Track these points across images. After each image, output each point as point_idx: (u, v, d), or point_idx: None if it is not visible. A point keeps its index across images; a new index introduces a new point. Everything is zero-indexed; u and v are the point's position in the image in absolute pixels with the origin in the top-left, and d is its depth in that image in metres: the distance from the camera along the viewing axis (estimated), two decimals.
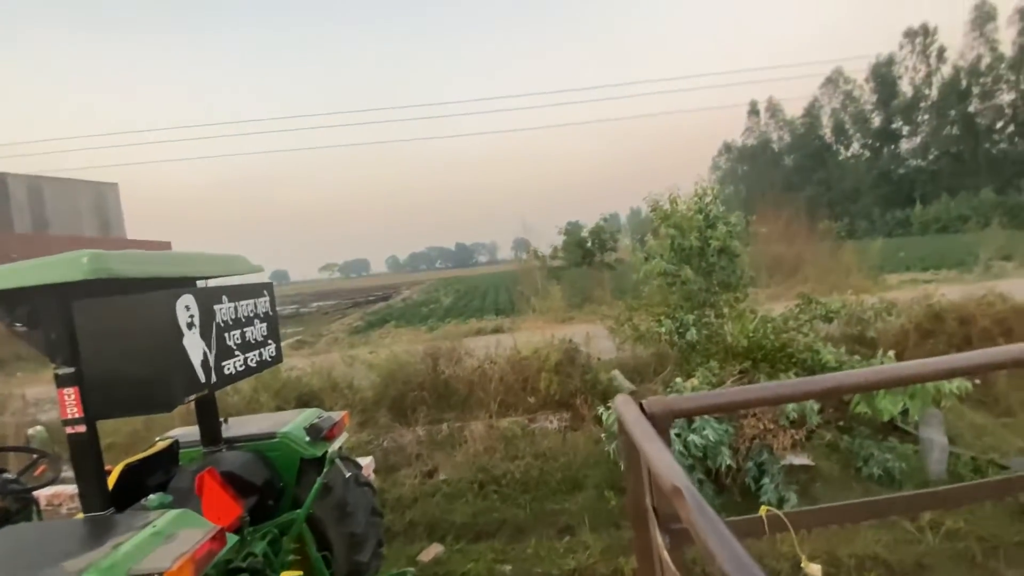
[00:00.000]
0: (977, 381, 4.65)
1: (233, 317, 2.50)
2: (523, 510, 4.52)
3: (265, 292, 2.81)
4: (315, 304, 40.48)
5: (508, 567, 3.73)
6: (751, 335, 5.25)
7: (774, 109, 77.74)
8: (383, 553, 3.33)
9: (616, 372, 6.71)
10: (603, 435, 4.93)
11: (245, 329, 2.58)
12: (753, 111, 79.78)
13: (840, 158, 68.94)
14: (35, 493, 2.75)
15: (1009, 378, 5.59)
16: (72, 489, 2.40)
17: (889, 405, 4.38)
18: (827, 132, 71.08)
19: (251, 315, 2.65)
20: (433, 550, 4.00)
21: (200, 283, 2.70)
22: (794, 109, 77.20)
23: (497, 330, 12.79)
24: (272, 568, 2.51)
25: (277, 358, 2.86)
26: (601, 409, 4.93)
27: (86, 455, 2.09)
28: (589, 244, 21.52)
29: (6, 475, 2.70)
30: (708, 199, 5.64)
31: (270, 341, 2.79)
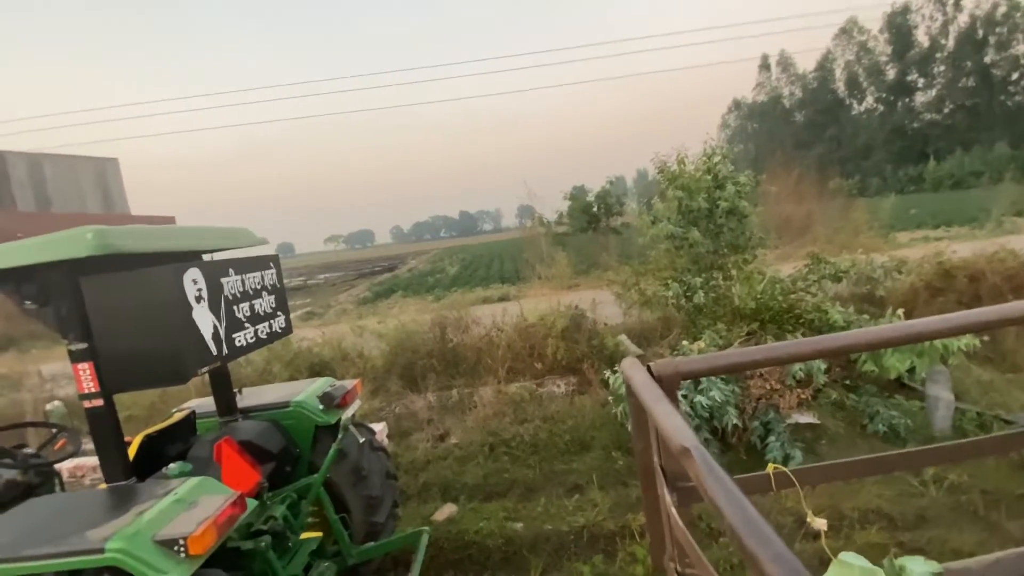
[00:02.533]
0: (985, 338, 4.63)
1: (241, 290, 2.51)
2: (532, 471, 4.64)
3: (271, 264, 2.81)
4: (322, 276, 40.67)
5: (519, 525, 3.85)
6: (759, 297, 5.23)
7: (786, 63, 75.08)
8: (398, 514, 3.45)
9: (623, 337, 6.75)
10: (610, 398, 5.00)
11: (253, 301, 2.59)
12: (764, 65, 77.10)
13: (853, 113, 66.95)
14: (57, 466, 2.84)
15: (1017, 335, 5.56)
16: (94, 461, 2.49)
17: (896, 363, 4.39)
18: (840, 86, 68.79)
19: (259, 287, 2.66)
20: (447, 510, 4.13)
21: (206, 257, 2.71)
22: (807, 62, 74.72)
23: (503, 298, 12.84)
24: (292, 530, 2.60)
25: (287, 330, 2.89)
26: (608, 373, 4.99)
27: (105, 427, 2.15)
28: (595, 209, 21.30)
29: (27, 450, 2.79)
30: (716, 159, 5.52)
31: (279, 313, 2.81)
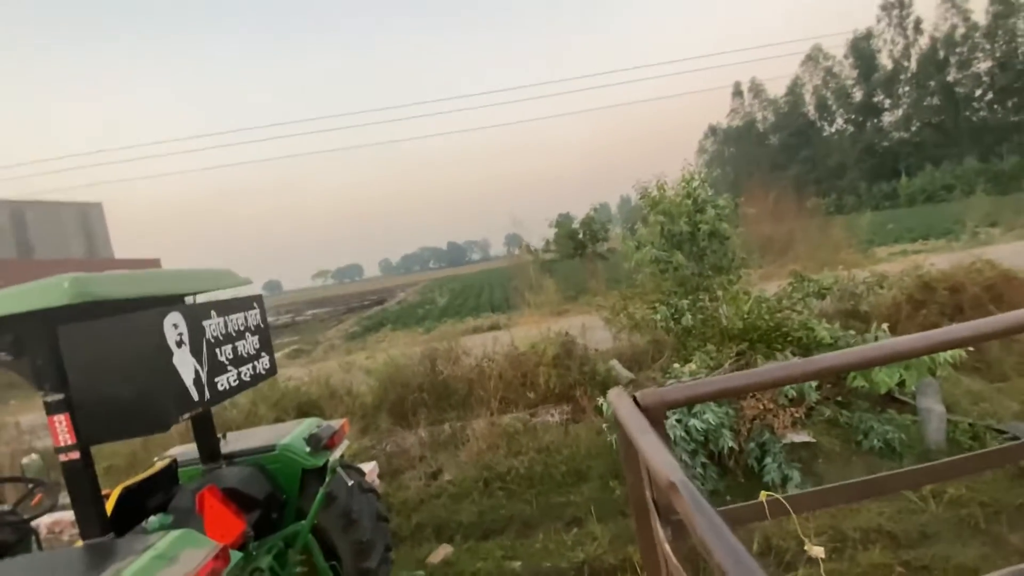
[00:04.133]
0: (971, 349, 4.69)
1: (223, 332, 2.47)
2: (529, 505, 4.53)
3: (255, 305, 2.78)
4: (310, 312, 40.30)
5: (518, 563, 3.73)
6: (746, 316, 5.27)
7: (757, 89, 78.02)
8: (391, 558, 3.32)
9: (614, 362, 6.73)
10: (604, 425, 4.95)
11: (236, 343, 2.55)
12: (737, 92, 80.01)
13: (824, 134, 69.31)
14: (35, 522, 2.71)
15: (1002, 344, 5.65)
16: (72, 516, 2.38)
17: (885, 377, 4.42)
18: (810, 109, 71.41)
19: (242, 329, 2.62)
20: (442, 551, 4.00)
21: (188, 300, 2.67)
22: (777, 88, 77.58)
23: (493, 327, 12.80)
24: None
25: (271, 371, 2.84)
26: (601, 400, 4.94)
27: (81, 481, 2.06)
28: (580, 235, 21.56)
29: (2, 507, 2.67)
30: (695, 183, 5.65)
31: (263, 354, 2.77)
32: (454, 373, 6.97)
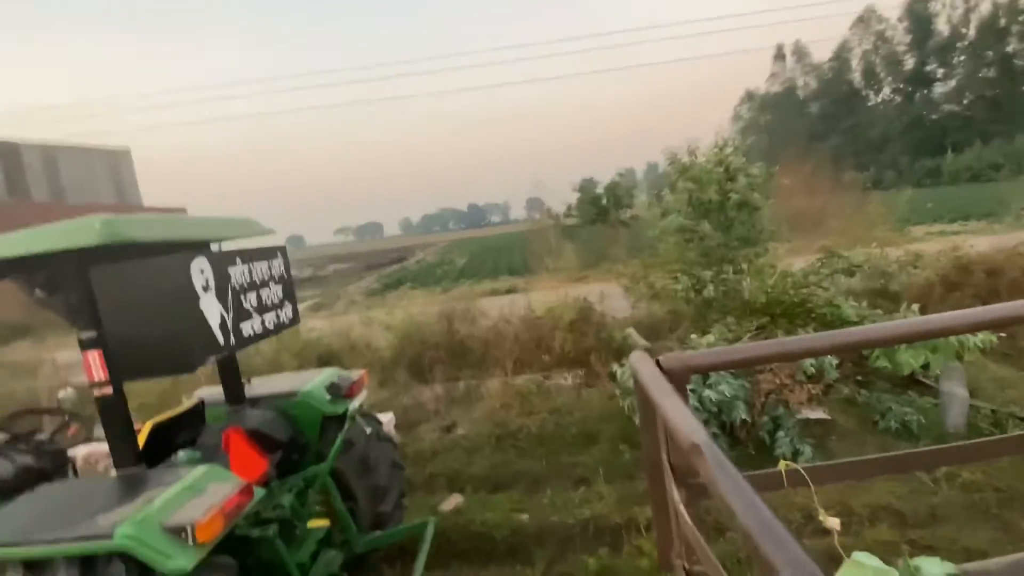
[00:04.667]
0: (1003, 334, 4.54)
1: (248, 280, 2.51)
2: (539, 463, 4.63)
3: (279, 255, 2.81)
4: (331, 267, 40.89)
5: (525, 516, 3.85)
6: (770, 291, 5.16)
7: (801, 53, 73.69)
8: (405, 504, 3.46)
9: (631, 330, 6.70)
10: (617, 391, 4.98)
11: (260, 291, 2.60)
12: (779, 55, 75.77)
13: (869, 104, 65.60)
14: (70, 453, 2.88)
15: None
16: (106, 448, 2.53)
17: (910, 359, 4.32)
18: (856, 76, 67.40)
19: (266, 278, 2.66)
20: (453, 500, 4.15)
21: (213, 247, 2.71)
22: (822, 52, 73.25)
23: (511, 290, 12.82)
24: (300, 518, 2.62)
25: (294, 320, 2.90)
26: (615, 366, 4.96)
27: (115, 415, 2.17)
28: (604, 201, 21.11)
29: (40, 436, 2.83)
30: (729, 151, 5.43)
31: (286, 303, 2.82)
32: (471, 333, 7.06)
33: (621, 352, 5.93)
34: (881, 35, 65.17)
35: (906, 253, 6.21)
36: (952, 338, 4.24)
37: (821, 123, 64.12)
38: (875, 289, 6.05)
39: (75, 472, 2.95)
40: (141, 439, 2.48)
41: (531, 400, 5.66)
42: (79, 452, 3.65)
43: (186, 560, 1.73)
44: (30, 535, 1.77)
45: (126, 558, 1.72)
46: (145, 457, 2.30)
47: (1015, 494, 3.46)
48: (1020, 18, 52.90)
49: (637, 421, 4.66)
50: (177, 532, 1.76)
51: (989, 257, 6.17)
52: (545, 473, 4.48)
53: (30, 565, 1.75)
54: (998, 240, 6.82)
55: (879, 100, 65.79)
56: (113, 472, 2.23)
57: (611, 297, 7.10)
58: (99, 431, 2.58)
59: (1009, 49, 53.98)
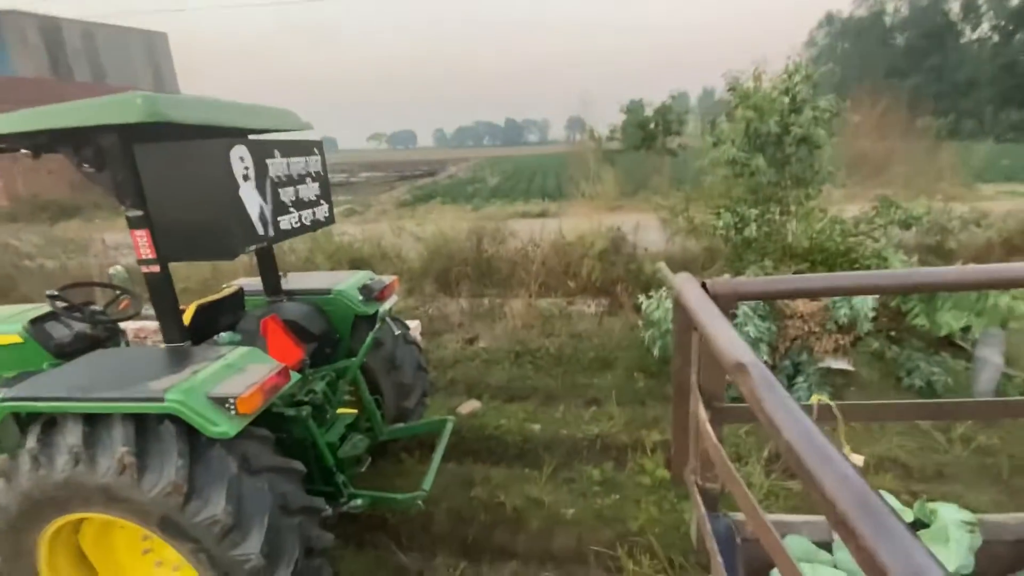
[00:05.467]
0: None
1: (286, 173, 2.50)
2: (555, 380, 4.80)
3: (316, 150, 2.78)
4: (364, 174, 40.73)
5: (537, 426, 4.07)
6: (815, 236, 4.93)
7: None
8: (427, 403, 3.68)
9: (662, 264, 6.57)
10: (640, 322, 4.99)
11: (298, 187, 2.60)
12: None
13: (962, 41, 58.12)
14: (121, 325, 3.09)
15: None
16: (155, 325, 2.72)
17: (951, 319, 4.15)
18: (954, 7, 59.18)
19: (303, 173, 2.65)
20: (471, 405, 4.38)
21: (252, 138, 2.69)
22: None
23: (543, 214, 12.62)
24: (331, 404, 2.81)
25: (330, 219, 2.92)
26: (641, 298, 4.94)
27: (162, 293, 2.28)
28: (652, 126, 19.85)
29: (94, 307, 3.03)
30: (798, 79, 4.94)
31: (322, 201, 2.83)
32: (498, 253, 7.07)
33: (648, 285, 5.88)
34: None
35: (971, 210, 5.77)
36: (1002, 302, 4.03)
37: (905, 58, 57.42)
38: (929, 245, 5.72)
39: (126, 343, 3.19)
40: (186, 318, 2.63)
41: (552, 323, 5.75)
42: (129, 327, 3.93)
43: (229, 427, 1.88)
44: (89, 392, 1.95)
45: (175, 420, 1.89)
46: (190, 335, 2.45)
47: None
48: None
49: (656, 352, 4.72)
50: (221, 402, 1.91)
51: None
52: (559, 391, 4.65)
53: (90, 419, 1.93)
54: None
55: (974, 37, 58.02)
56: (162, 345, 2.39)
57: (646, 229, 6.92)
58: (148, 308, 2.74)
59: None
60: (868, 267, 4.67)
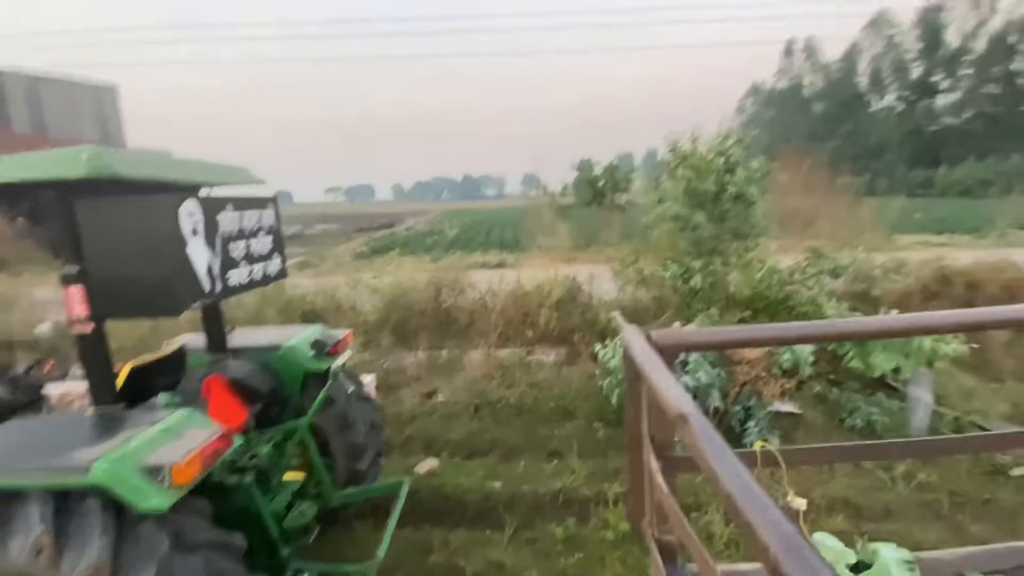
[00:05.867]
0: (975, 345, 4.68)
1: (238, 227, 2.47)
2: (515, 433, 4.72)
3: (270, 205, 2.76)
4: (319, 227, 40.23)
5: (498, 483, 3.94)
6: (755, 285, 5.23)
7: (811, 50, 73.04)
8: (381, 463, 3.51)
9: (616, 313, 6.74)
10: (597, 371, 5.05)
11: (250, 241, 2.55)
12: (788, 51, 75.06)
13: (871, 110, 65.55)
14: (45, 390, 2.85)
15: (1005, 345, 5.63)
16: (81, 388, 2.51)
17: (883, 361, 4.44)
18: (863, 80, 67.09)
19: (256, 227, 2.61)
20: (429, 464, 4.22)
21: (203, 192, 2.65)
22: (833, 52, 72.55)
23: (501, 265, 12.80)
24: (276, 469, 2.65)
25: (281, 273, 2.86)
26: (598, 346, 5.03)
27: (94, 353, 2.14)
28: (601, 183, 21.03)
29: (15, 370, 2.79)
30: (730, 142, 5.42)
31: (275, 255, 2.78)
32: (457, 303, 7.07)
33: (605, 333, 6.00)
34: (891, 40, 64.70)
35: (891, 260, 6.33)
36: (926, 345, 4.36)
37: (823, 124, 63.99)
38: (857, 292, 6.18)
39: (49, 410, 2.93)
40: (120, 380, 2.46)
41: (512, 373, 5.72)
42: (53, 391, 3.62)
43: (162, 500, 1.74)
44: (4, 465, 1.76)
45: (101, 494, 1.72)
46: (123, 399, 2.29)
47: (968, 498, 3.63)
48: None
49: (615, 400, 4.76)
50: (154, 472, 1.77)
51: (970, 271, 6.32)
52: (520, 444, 4.57)
53: (4, 496, 1.74)
54: (981, 255, 6.98)
55: (882, 106, 65.69)
56: (90, 410, 2.21)
57: (600, 279, 7.14)
58: (77, 370, 2.55)
59: (1015, 67, 54.06)
60: (805, 313, 4.98)
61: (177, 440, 1.93)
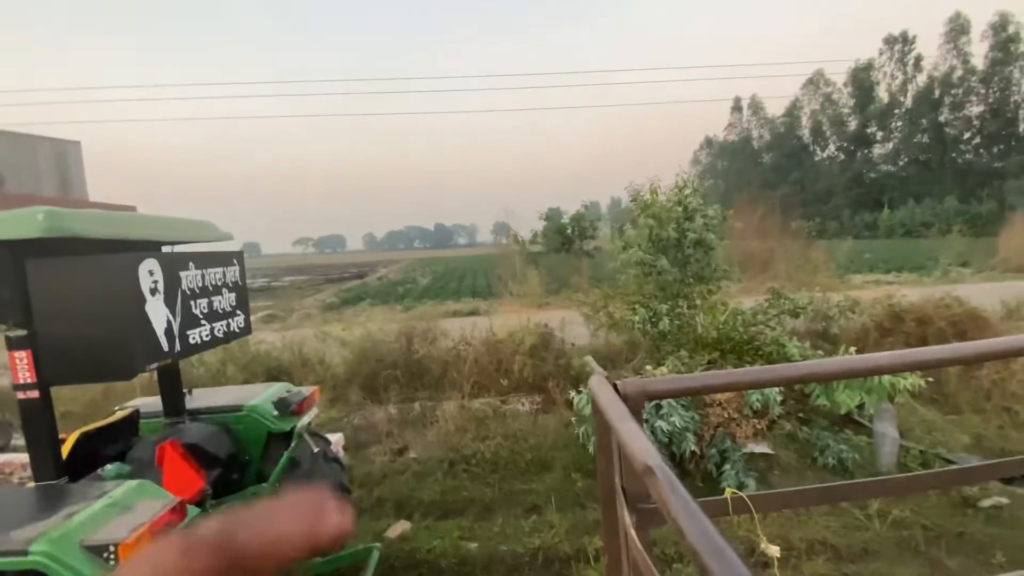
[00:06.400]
0: (930, 379, 4.87)
1: (200, 285, 2.41)
2: (491, 489, 4.57)
3: (235, 261, 2.73)
4: (287, 279, 39.60)
5: (474, 545, 3.77)
6: (721, 327, 5.37)
7: (756, 107, 78.94)
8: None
9: (589, 358, 6.80)
10: (573, 419, 5.00)
11: (213, 298, 2.50)
12: (737, 107, 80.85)
13: (816, 159, 70.55)
14: None
15: (959, 377, 5.87)
16: (24, 458, 2.31)
17: (847, 399, 4.55)
18: (805, 133, 72.52)
19: (219, 284, 2.56)
20: (400, 527, 4.01)
21: (166, 249, 2.60)
22: (776, 108, 78.62)
23: (473, 312, 12.78)
24: None
25: (245, 330, 2.79)
26: (572, 393, 5.00)
27: (38, 422, 2.01)
28: (569, 231, 21.66)
29: None
30: (688, 191, 5.71)
31: (239, 312, 2.72)
32: (430, 353, 6.97)
33: (579, 379, 6.00)
34: (828, 97, 70.62)
35: (845, 298, 6.63)
36: (885, 380, 4.51)
37: (773, 173, 68.41)
38: (817, 331, 6.41)
39: None
40: (65, 449, 2.30)
41: (487, 424, 5.60)
42: None
43: None
44: None
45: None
46: (69, 469, 2.13)
47: (941, 532, 3.67)
48: (953, 91, 58.50)
49: (591, 449, 4.70)
50: (98, 552, 1.63)
51: (919, 307, 6.66)
52: (497, 500, 4.41)
53: None
54: (927, 291, 7.38)
55: (824, 156, 70.88)
56: (31, 484, 2.05)
57: (571, 324, 7.19)
58: (18, 440, 2.38)
59: (942, 118, 59.46)
60: (770, 353, 5.12)
61: (125, 514, 1.80)
